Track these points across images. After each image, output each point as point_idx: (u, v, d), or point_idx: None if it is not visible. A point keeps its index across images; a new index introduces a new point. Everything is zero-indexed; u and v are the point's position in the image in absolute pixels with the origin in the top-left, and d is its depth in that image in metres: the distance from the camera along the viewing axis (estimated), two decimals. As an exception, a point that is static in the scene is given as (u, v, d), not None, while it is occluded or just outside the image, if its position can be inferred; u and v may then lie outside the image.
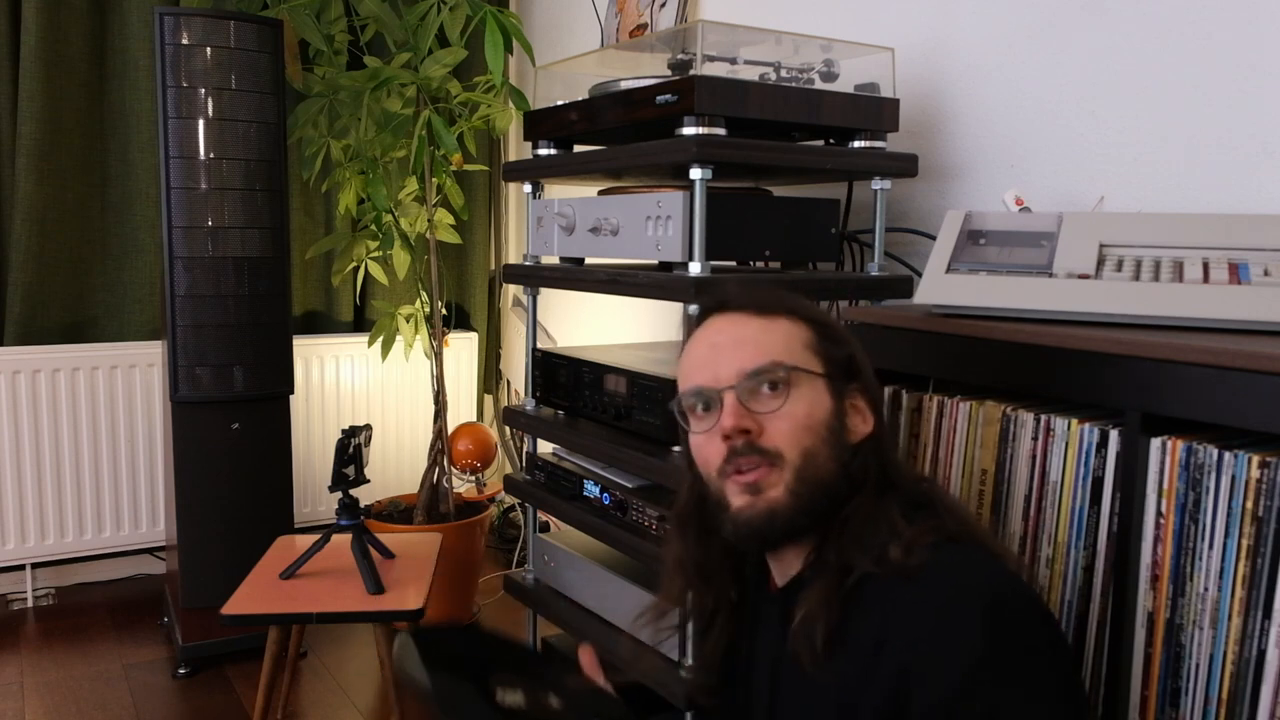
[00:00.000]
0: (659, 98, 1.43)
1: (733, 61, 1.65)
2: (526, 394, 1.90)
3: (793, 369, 0.94)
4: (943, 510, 0.92)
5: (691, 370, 0.99)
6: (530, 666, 1.07)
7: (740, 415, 0.93)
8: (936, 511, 0.92)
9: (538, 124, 1.77)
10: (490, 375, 3.37)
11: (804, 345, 0.96)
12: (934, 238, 1.32)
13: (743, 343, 0.96)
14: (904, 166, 1.61)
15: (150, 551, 2.88)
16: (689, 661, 1.48)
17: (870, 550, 0.89)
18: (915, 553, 0.86)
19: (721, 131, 1.41)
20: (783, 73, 1.67)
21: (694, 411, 0.98)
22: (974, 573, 0.86)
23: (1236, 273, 1.07)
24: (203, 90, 2.24)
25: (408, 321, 2.73)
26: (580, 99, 1.66)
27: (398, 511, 2.67)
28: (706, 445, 0.97)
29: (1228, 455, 0.90)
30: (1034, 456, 1.08)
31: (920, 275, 1.47)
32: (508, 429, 3.26)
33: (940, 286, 1.20)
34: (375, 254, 2.76)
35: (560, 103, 1.71)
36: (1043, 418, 1.07)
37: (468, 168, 2.84)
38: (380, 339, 2.68)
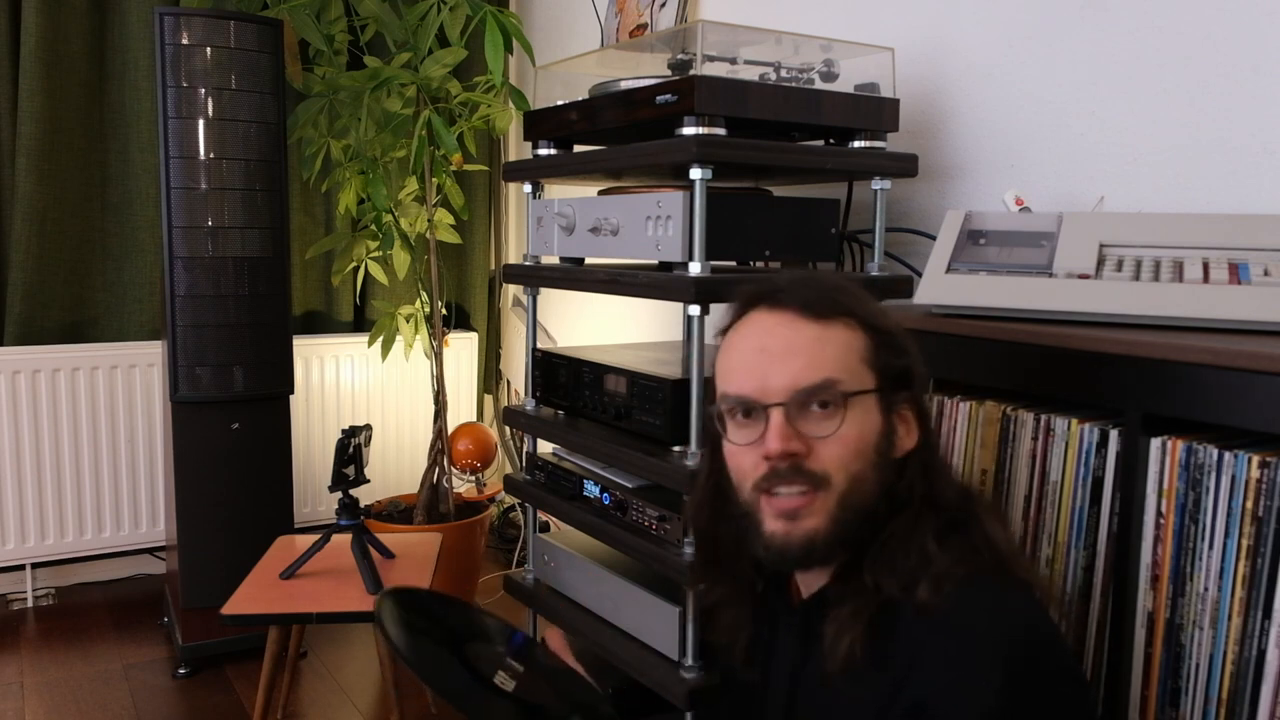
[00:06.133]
0: (659, 98, 1.43)
1: (733, 61, 1.65)
2: (526, 394, 1.90)
3: (849, 393, 0.86)
4: (980, 536, 0.87)
5: (735, 373, 0.89)
6: (498, 639, 1.07)
7: (787, 438, 0.85)
8: (973, 537, 0.86)
9: (538, 124, 1.77)
10: (490, 375, 3.37)
11: (860, 358, 0.87)
12: (934, 238, 1.32)
13: (795, 352, 0.86)
14: (904, 166, 1.61)
15: (150, 551, 2.88)
16: (689, 661, 1.48)
17: (901, 576, 0.84)
18: (944, 590, 0.81)
19: (721, 131, 1.41)
20: (783, 73, 1.66)
21: (734, 417, 0.89)
22: (1000, 618, 0.81)
23: (1236, 273, 1.07)
24: (203, 90, 2.24)
25: (408, 321, 2.73)
26: (580, 99, 1.66)
27: (398, 511, 2.67)
28: (743, 456, 0.89)
29: (1228, 455, 0.90)
30: (1034, 456, 1.08)
31: (920, 275, 1.47)
32: (508, 429, 3.26)
33: (940, 286, 1.20)
34: (375, 254, 2.76)
35: (560, 103, 1.71)
36: (1043, 418, 1.07)
37: (468, 168, 2.84)
38: (380, 339, 2.68)
